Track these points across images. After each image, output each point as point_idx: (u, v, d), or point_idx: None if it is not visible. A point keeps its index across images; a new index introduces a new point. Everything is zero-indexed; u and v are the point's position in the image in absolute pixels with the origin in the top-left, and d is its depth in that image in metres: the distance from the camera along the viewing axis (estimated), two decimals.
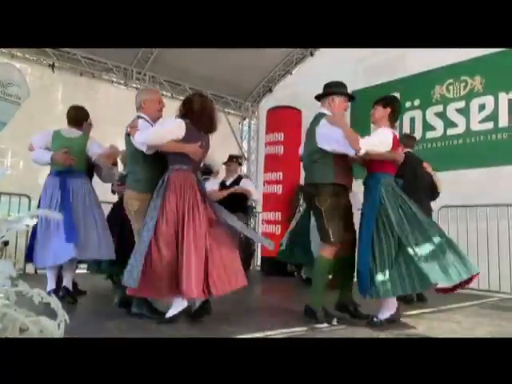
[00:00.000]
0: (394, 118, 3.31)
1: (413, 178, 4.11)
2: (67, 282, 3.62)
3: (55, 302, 0.75)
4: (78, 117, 3.78)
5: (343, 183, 3.23)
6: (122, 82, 7.39)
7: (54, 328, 0.70)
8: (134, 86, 7.42)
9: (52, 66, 6.60)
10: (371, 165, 3.27)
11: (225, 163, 5.51)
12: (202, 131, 3.13)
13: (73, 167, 3.60)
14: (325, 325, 3.02)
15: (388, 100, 3.33)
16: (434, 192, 4.48)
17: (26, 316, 0.71)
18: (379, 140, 3.15)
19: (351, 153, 3.09)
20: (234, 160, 5.57)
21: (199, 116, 3.10)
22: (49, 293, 3.41)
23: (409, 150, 4.33)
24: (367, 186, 3.28)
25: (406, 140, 4.43)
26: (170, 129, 3.06)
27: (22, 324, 0.67)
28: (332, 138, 3.12)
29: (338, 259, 3.26)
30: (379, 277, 2.99)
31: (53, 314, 0.84)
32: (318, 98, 3.44)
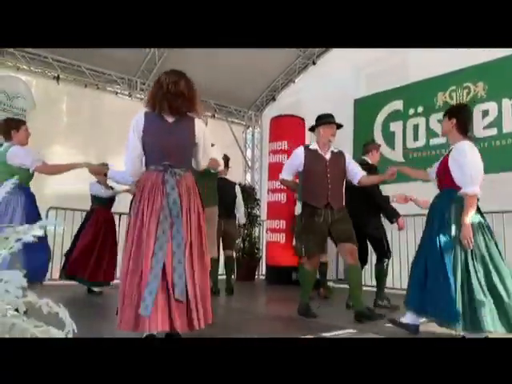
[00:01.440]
0: (463, 129, 2.97)
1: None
2: None
3: (63, 312, 0.76)
4: (1, 130, 3.69)
5: (314, 204, 3.69)
6: (127, 93, 7.45)
7: (60, 336, 0.71)
8: (139, 96, 7.48)
9: (57, 79, 6.67)
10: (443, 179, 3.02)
11: None
12: (167, 115, 2.47)
13: None
14: (330, 333, 3.05)
15: (453, 110, 3.08)
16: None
17: (35, 326, 0.71)
18: (474, 162, 2.84)
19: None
20: None
21: (154, 96, 2.46)
22: None
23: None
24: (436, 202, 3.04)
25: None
26: (128, 144, 2.49)
27: (31, 334, 0.67)
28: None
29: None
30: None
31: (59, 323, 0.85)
32: (312, 130, 3.99)
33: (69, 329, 0.72)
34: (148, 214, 2.34)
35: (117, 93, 7.39)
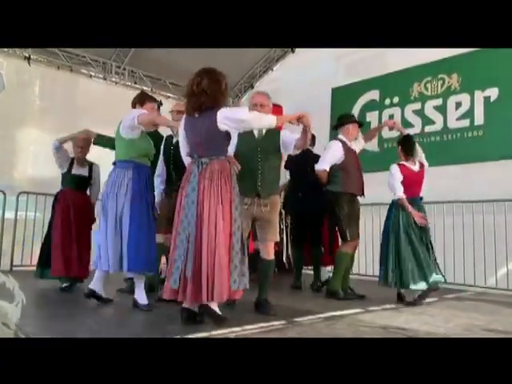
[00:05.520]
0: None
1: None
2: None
3: (11, 282, 0.74)
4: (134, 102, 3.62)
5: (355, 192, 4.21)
6: (101, 76, 7.27)
7: (11, 309, 0.68)
8: (114, 80, 7.33)
9: (28, 59, 6.46)
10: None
11: None
12: (194, 112, 2.78)
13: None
14: (303, 318, 3.07)
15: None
16: None
17: None
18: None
19: None
20: None
21: (185, 98, 2.87)
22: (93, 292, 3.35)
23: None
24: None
25: None
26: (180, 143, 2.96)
27: None
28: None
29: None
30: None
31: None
32: (336, 128, 4.37)
33: (18, 300, 0.70)
34: (180, 200, 2.73)
35: (91, 76, 7.21)
